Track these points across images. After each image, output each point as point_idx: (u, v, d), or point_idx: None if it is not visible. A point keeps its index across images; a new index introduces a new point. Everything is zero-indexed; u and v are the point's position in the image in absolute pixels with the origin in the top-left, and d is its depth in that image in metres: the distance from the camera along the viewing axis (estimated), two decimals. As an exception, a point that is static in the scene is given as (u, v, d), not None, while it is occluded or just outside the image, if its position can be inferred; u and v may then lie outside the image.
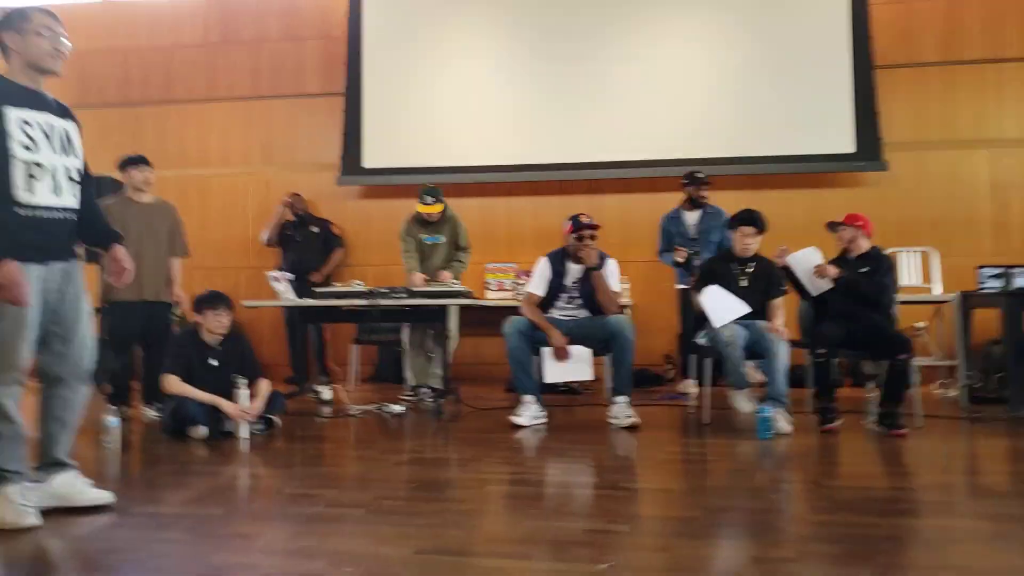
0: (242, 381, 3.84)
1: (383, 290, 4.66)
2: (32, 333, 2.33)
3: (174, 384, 3.84)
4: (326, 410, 4.79)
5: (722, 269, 4.23)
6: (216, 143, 7.21)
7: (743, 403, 3.88)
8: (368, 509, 2.45)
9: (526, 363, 4.19)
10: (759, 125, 6.28)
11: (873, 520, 2.32)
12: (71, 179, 2.43)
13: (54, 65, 2.40)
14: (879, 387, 4.02)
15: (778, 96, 6.27)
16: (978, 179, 6.15)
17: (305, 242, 6.37)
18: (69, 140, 2.43)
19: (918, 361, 5.16)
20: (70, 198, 2.44)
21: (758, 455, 3.35)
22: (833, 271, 4.06)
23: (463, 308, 4.99)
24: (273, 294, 4.93)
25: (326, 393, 5.17)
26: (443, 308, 4.67)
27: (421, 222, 5.31)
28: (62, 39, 2.41)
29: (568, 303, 4.34)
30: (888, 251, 5.53)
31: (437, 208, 5.22)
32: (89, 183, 2.55)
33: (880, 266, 4.09)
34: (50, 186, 2.35)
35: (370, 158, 6.78)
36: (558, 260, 4.34)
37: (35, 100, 2.37)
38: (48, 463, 2.47)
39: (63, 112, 2.46)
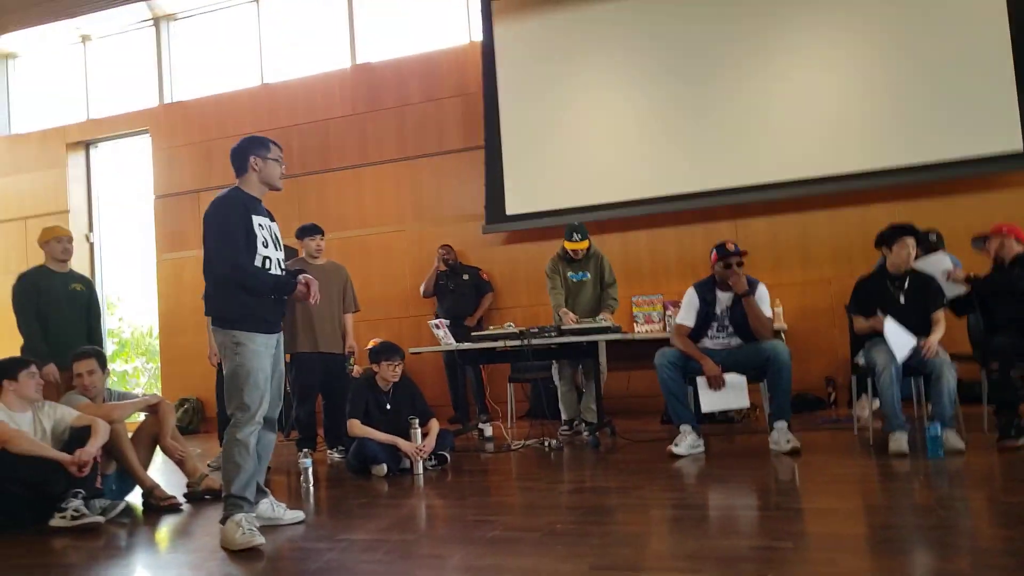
0: (415, 421, 4.22)
1: (534, 330, 4.94)
2: (267, 386, 2.94)
3: (357, 427, 4.27)
4: (489, 446, 5.09)
5: (878, 288, 4.13)
6: (371, 204, 7.87)
7: (898, 443, 3.72)
8: (542, 532, 2.67)
9: (680, 393, 4.27)
10: (912, 132, 6.00)
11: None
12: (280, 268, 3.06)
13: (280, 185, 3.09)
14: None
15: (931, 98, 5.97)
16: None
17: (458, 289, 6.82)
18: (278, 238, 3.10)
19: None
20: None
21: (927, 474, 3.25)
22: (962, 274, 4.03)
23: (613, 343, 5.15)
24: (434, 340, 5.34)
25: (488, 430, 5.49)
26: (593, 344, 4.87)
27: (567, 260, 5.54)
28: (283, 164, 3.10)
29: (720, 332, 4.39)
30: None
31: (583, 244, 5.43)
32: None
33: None
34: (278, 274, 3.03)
35: (512, 205, 7.16)
36: (707, 289, 4.42)
37: (262, 208, 3.04)
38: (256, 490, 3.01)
39: (271, 217, 3.11)
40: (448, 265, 6.93)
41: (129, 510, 3.56)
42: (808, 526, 2.57)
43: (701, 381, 4.22)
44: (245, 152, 2.99)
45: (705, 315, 4.38)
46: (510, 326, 5.19)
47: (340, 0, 8.23)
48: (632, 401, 6.59)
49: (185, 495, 3.82)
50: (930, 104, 5.97)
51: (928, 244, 4.61)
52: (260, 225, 2.96)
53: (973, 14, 5.93)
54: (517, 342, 4.91)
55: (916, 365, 3.89)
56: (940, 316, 4.00)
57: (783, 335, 5.75)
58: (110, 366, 5.01)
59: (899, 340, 3.84)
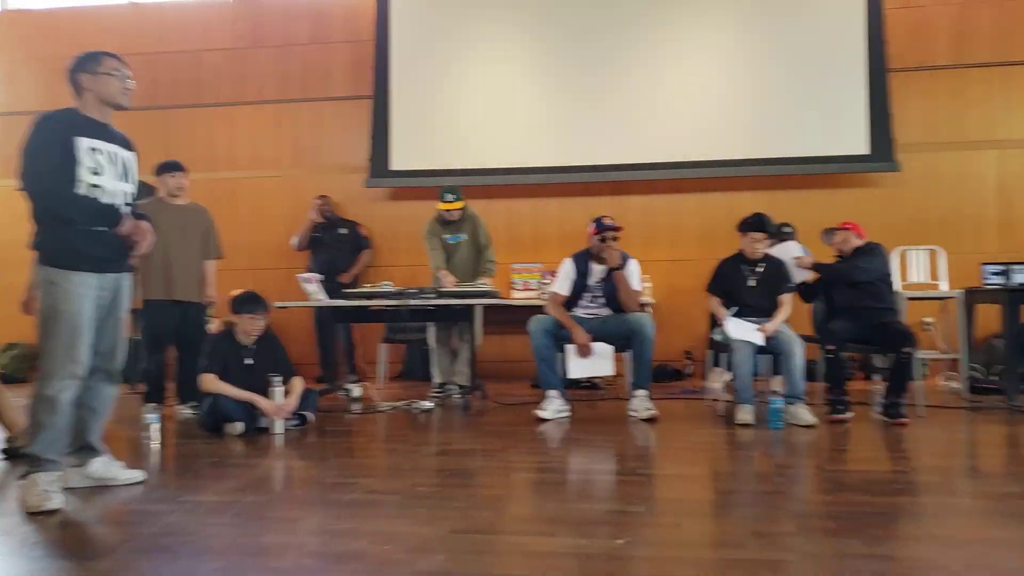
0: (276, 379, 4.04)
1: (412, 290, 4.88)
2: (89, 335, 2.65)
3: (212, 383, 4.02)
4: (356, 407, 5.00)
5: (733, 270, 4.42)
6: (245, 147, 7.45)
7: (744, 415, 4.04)
8: (403, 495, 2.66)
9: (550, 360, 4.38)
10: (776, 127, 6.43)
11: (868, 499, 2.52)
12: (126, 203, 2.77)
13: (124, 101, 2.77)
14: (884, 379, 4.18)
15: (795, 99, 6.41)
16: (986, 179, 6.28)
17: (334, 244, 6.61)
18: (127, 169, 2.79)
19: (926, 355, 5.34)
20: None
21: (769, 444, 3.52)
22: (808, 261, 4.44)
23: (489, 307, 5.19)
24: (303, 295, 5.16)
25: (356, 391, 5.40)
26: (470, 308, 4.87)
27: (443, 222, 5.50)
28: (128, 79, 2.78)
29: (591, 302, 4.53)
30: (899, 249, 5.70)
31: (457, 205, 5.40)
32: (135, 205, 2.89)
33: (867, 254, 4.29)
34: (111, 205, 2.70)
35: (398, 161, 7.00)
36: (582, 260, 4.53)
37: (103, 132, 2.73)
38: (82, 447, 2.80)
39: (126, 144, 2.83)
40: (325, 217, 6.69)
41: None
42: (659, 491, 2.72)
43: (570, 348, 4.33)
44: (74, 71, 2.74)
45: (579, 285, 4.49)
46: (387, 285, 5.09)
47: (222, -77, 7.62)
48: (505, 366, 6.70)
49: (3, 451, 3.44)
50: (794, 104, 6.41)
51: (782, 235, 4.98)
52: (93, 149, 2.66)
53: (835, 30, 6.42)
54: (392, 302, 4.83)
55: (770, 345, 4.19)
56: (786, 299, 4.34)
57: (650, 309, 6.01)
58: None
59: (744, 333, 4.14)
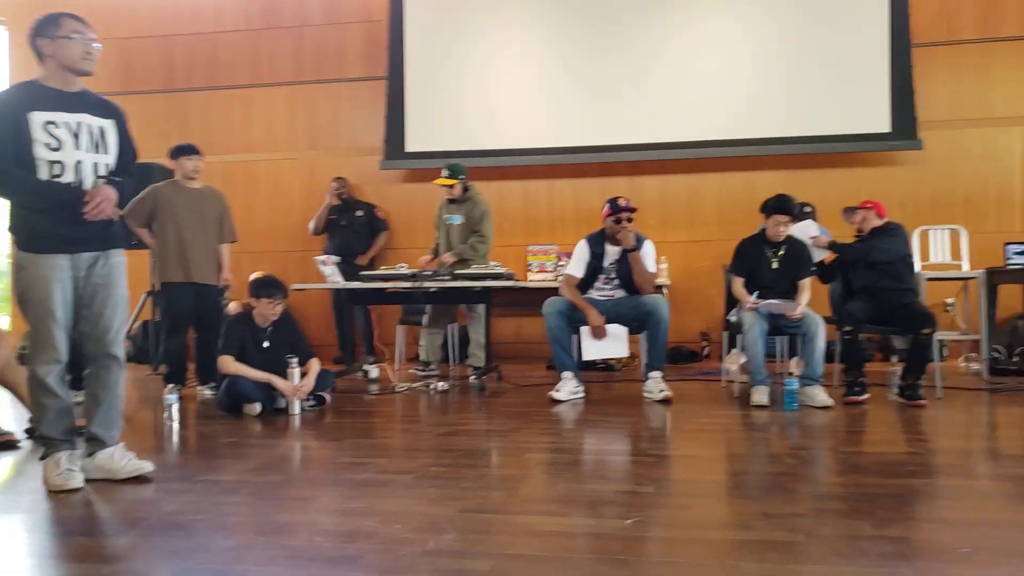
0: (293, 360, 4.09)
1: (427, 272, 4.89)
2: (63, 316, 2.55)
3: (230, 364, 4.07)
4: (373, 388, 5.05)
5: (756, 251, 4.36)
6: (261, 129, 7.46)
7: (759, 396, 4.01)
8: (415, 475, 2.68)
9: (565, 341, 4.38)
10: (796, 106, 6.32)
11: (881, 480, 2.50)
12: (98, 175, 2.59)
13: (87, 66, 2.56)
14: (902, 361, 4.13)
15: (815, 77, 6.30)
16: (1012, 156, 6.14)
17: (350, 226, 6.64)
18: (103, 137, 2.61)
19: (947, 336, 5.26)
20: None
21: (783, 425, 3.50)
22: (825, 240, 4.39)
23: (505, 289, 5.19)
24: (321, 277, 5.19)
25: (373, 372, 5.44)
26: (487, 290, 4.88)
27: (449, 200, 5.48)
28: (92, 42, 2.58)
29: (606, 284, 4.51)
30: (920, 229, 5.61)
31: (450, 181, 5.35)
32: (123, 174, 2.69)
33: (886, 234, 4.21)
34: (73, 181, 2.53)
35: (413, 142, 6.99)
36: (597, 242, 4.50)
37: (67, 102, 2.55)
38: (88, 437, 2.69)
39: (104, 111, 2.64)
40: (341, 199, 6.71)
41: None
42: (671, 472, 2.72)
43: (585, 330, 4.33)
44: (32, 36, 2.55)
45: (594, 267, 4.48)
46: (403, 267, 5.11)
47: (235, -95, 7.60)
48: (521, 347, 6.71)
49: (26, 431, 3.46)
50: (814, 82, 6.30)
51: (802, 215, 4.92)
52: (49, 122, 2.48)
53: (857, 5, 6.27)
54: (408, 284, 4.85)
55: (787, 326, 4.15)
56: (806, 284, 4.29)
57: (665, 290, 5.98)
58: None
59: (777, 307, 4.10)
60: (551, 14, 6.80)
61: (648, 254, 4.46)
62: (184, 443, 3.43)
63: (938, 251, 5.63)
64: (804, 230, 4.49)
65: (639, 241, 4.42)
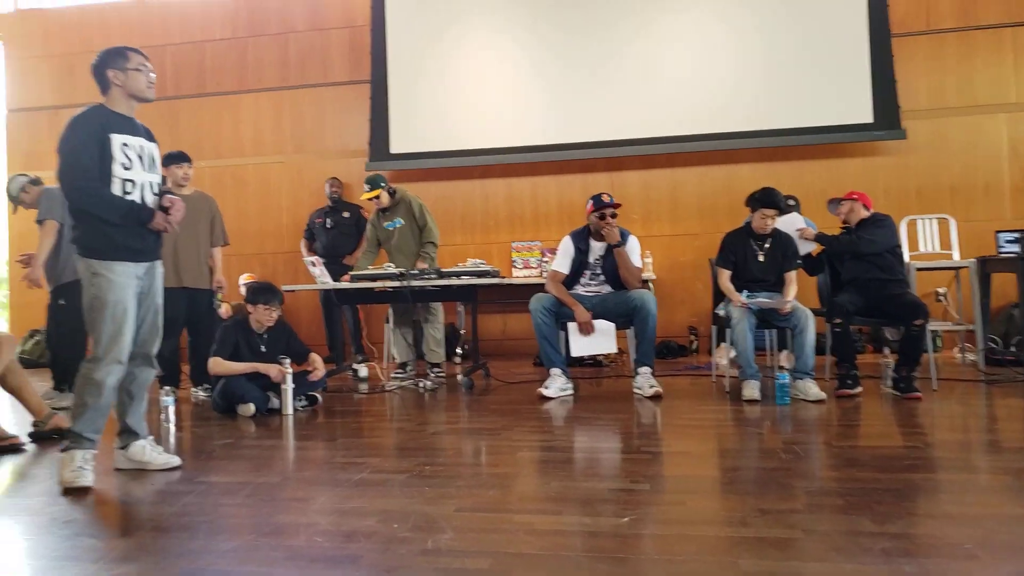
0: (286, 361, 4.10)
1: (414, 272, 4.87)
2: (132, 322, 2.79)
3: (219, 364, 4.11)
4: (363, 387, 5.04)
5: (741, 244, 4.37)
6: (249, 133, 7.45)
7: (750, 390, 4.02)
8: (410, 474, 2.68)
9: (552, 338, 4.38)
10: (778, 97, 6.35)
11: (878, 475, 2.51)
12: (153, 192, 2.88)
13: (150, 95, 2.86)
14: (895, 352, 4.15)
15: (797, 68, 6.32)
16: (997, 144, 6.18)
17: (336, 227, 6.61)
18: (153, 160, 2.89)
19: (940, 326, 5.30)
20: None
21: (775, 420, 3.52)
22: (811, 232, 4.39)
23: (490, 286, 5.18)
24: (309, 278, 5.17)
25: (363, 371, 5.42)
26: (473, 287, 4.87)
27: (381, 211, 5.44)
28: (151, 72, 2.87)
29: (592, 279, 4.52)
30: (907, 219, 5.66)
31: (372, 194, 5.32)
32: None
33: (874, 225, 4.23)
34: (139, 198, 2.80)
35: (397, 143, 6.97)
36: (581, 238, 4.51)
37: (130, 127, 2.83)
38: (123, 430, 2.92)
39: (149, 136, 2.92)
40: (331, 200, 6.69)
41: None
42: (664, 469, 2.72)
43: (572, 327, 4.33)
44: (102, 67, 2.81)
45: (579, 263, 4.48)
46: (389, 267, 5.09)
47: (215, -95, 7.55)
48: (508, 344, 6.71)
49: (30, 435, 3.56)
50: (795, 74, 6.32)
51: (787, 207, 4.93)
52: (125, 144, 2.76)
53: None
54: (396, 283, 4.83)
55: (776, 319, 4.17)
56: (793, 276, 4.31)
57: (651, 285, 5.99)
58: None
59: (767, 304, 4.12)
60: (529, 13, 6.80)
61: (633, 249, 4.46)
62: (181, 445, 3.42)
63: (927, 241, 5.67)
64: (790, 222, 4.51)
65: (623, 236, 4.43)
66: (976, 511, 2.14)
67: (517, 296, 6.37)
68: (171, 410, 3.83)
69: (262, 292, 4.23)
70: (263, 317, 4.21)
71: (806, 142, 6.31)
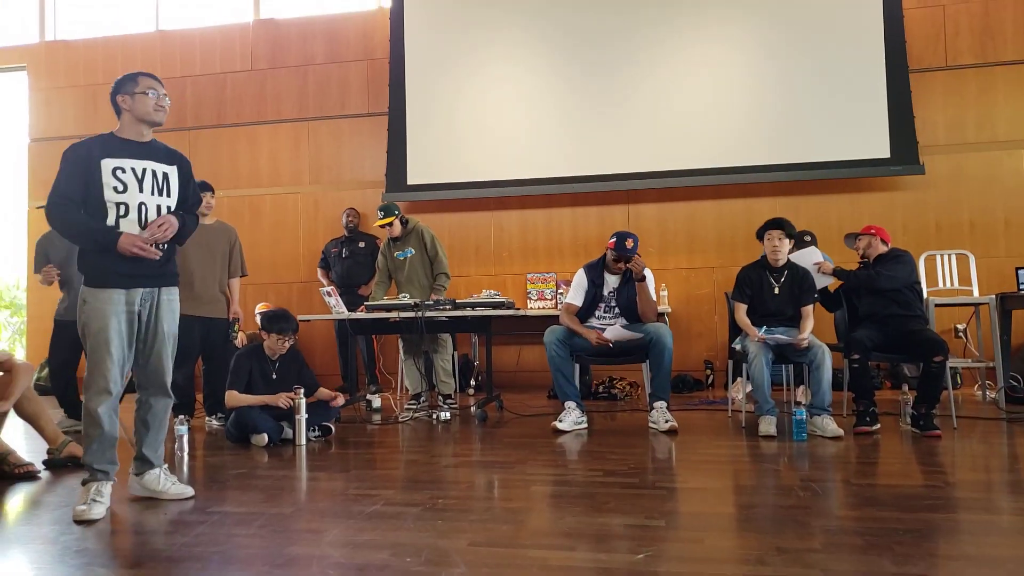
0: (299, 390, 4.11)
1: (428, 303, 4.89)
2: (117, 350, 2.73)
3: (235, 398, 4.15)
4: (376, 418, 5.02)
5: (757, 277, 4.36)
6: (266, 164, 7.56)
7: (767, 427, 3.97)
8: (424, 507, 2.66)
9: (566, 370, 4.36)
10: (796, 132, 6.37)
11: (898, 515, 2.45)
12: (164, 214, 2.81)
13: (157, 117, 2.83)
14: (913, 389, 4.08)
15: (814, 103, 6.35)
16: (1017, 179, 6.15)
17: (352, 257, 6.66)
18: (167, 182, 2.85)
19: (960, 363, 5.22)
20: None
21: (792, 456, 3.46)
22: (829, 267, 4.37)
23: (505, 318, 5.18)
24: (325, 308, 5.20)
25: (376, 401, 5.42)
26: (487, 318, 4.87)
27: (393, 239, 5.50)
28: (164, 96, 2.85)
29: (606, 312, 4.51)
30: (926, 254, 5.62)
31: (386, 221, 5.37)
32: (188, 215, 2.94)
33: (892, 260, 4.20)
34: (135, 221, 2.76)
35: (414, 175, 7.05)
36: (596, 271, 4.51)
37: (136, 150, 2.80)
38: (138, 458, 2.93)
39: (169, 158, 2.89)
40: (348, 230, 6.76)
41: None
42: (680, 505, 2.68)
43: (607, 327, 4.34)
44: (114, 93, 2.83)
45: (593, 296, 4.48)
46: (405, 297, 5.11)
47: (242, -55, 7.78)
48: (522, 376, 6.68)
49: (44, 462, 3.58)
50: (813, 109, 6.34)
51: (803, 242, 4.93)
52: (119, 168, 2.73)
53: (853, 32, 6.35)
54: (411, 313, 4.85)
55: (793, 354, 4.13)
56: (809, 311, 4.28)
57: (667, 318, 5.97)
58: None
59: (783, 339, 4.10)
60: (546, 48, 6.89)
61: (649, 282, 4.46)
62: (194, 474, 3.42)
63: (946, 276, 5.62)
64: (807, 257, 4.49)
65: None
66: (998, 552, 2.09)
67: (532, 328, 6.36)
68: (185, 439, 3.84)
69: (277, 320, 4.26)
70: (276, 345, 4.25)
71: (824, 176, 6.31)
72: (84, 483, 2.75)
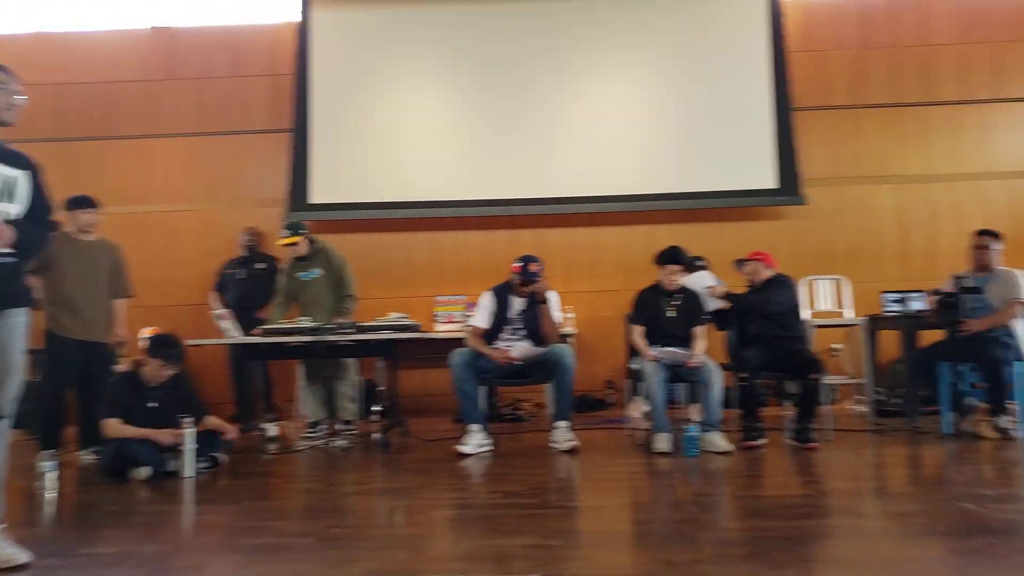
0: (188, 420, 3.86)
1: (329, 326, 4.78)
2: None
3: (114, 427, 3.84)
4: (272, 447, 4.84)
5: (653, 300, 4.53)
6: (158, 180, 7.20)
7: (661, 444, 4.07)
8: (316, 537, 2.57)
9: (472, 393, 4.36)
10: (692, 163, 6.65)
11: (777, 523, 2.59)
12: (4, 221, 2.46)
13: (7, 116, 2.53)
14: (795, 405, 4.32)
15: (709, 135, 6.65)
16: (885, 212, 6.64)
17: (250, 279, 6.42)
18: (14, 187, 2.53)
19: (835, 380, 5.58)
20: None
21: (684, 472, 3.58)
22: (721, 290, 4.58)
23: (411, 341, 5.12)
24: (218, 332, 4.99)
25: (272, 430, 5.22)
26: (392, 342, 4.81)
27: (298, 259, 5.35)
28: (15, 93, 2.54)
29: (512, 334, 4.54)
30: (807, 279, 5.97)
31: (294, 240, 5.25)
32: (36, 224, 2.60)
33: (777, 286, 4.47)
34: None
35: (317, 194, 6.89)
36: (502, 294, 4.55)
37: None
38: None
39: (17, 162, 2.57)
40: (247, 250, 6.51)
41: None
42: (577, 523, 2.72)
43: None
44: None
45: (499, 318, 4.50)
46: (307, 320, 4.97)
47: (135, -47, 7.46)
48: (428, 400, 6.61)
49: None
50: (708, 141, 6.65)
51: (696, 267, 5.16)
52: None
53: (743, 71, 6.70)
54: (311, 338, 4.72)
55: (686, 374, 4.30)
56: (701, 331, 4.46)
57: (572, 340, 6.07)
58: None
59: (671, 356, 4.25)
60: (456, 70, 6.94)
61: (553, 304, 4.53)
62: (62, 513, 3.17)
63: (823, 300, 5.98)
64: (699, 281, 4.71)
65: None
66: (864, 555, 2.24)
67: (440, 351, 6.28)
68: (51, 476, 3.49)
69: (162, 346, 4.03)
70: (155, 372, 3.99)
71: (717, 205, 6.61)
72: None
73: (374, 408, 5.80)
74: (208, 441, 3.98)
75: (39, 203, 2.62)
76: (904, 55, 6.74)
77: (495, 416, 5.74)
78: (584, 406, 6.14)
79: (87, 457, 4.38)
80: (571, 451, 4.20)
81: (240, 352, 5.65)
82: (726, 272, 5.71)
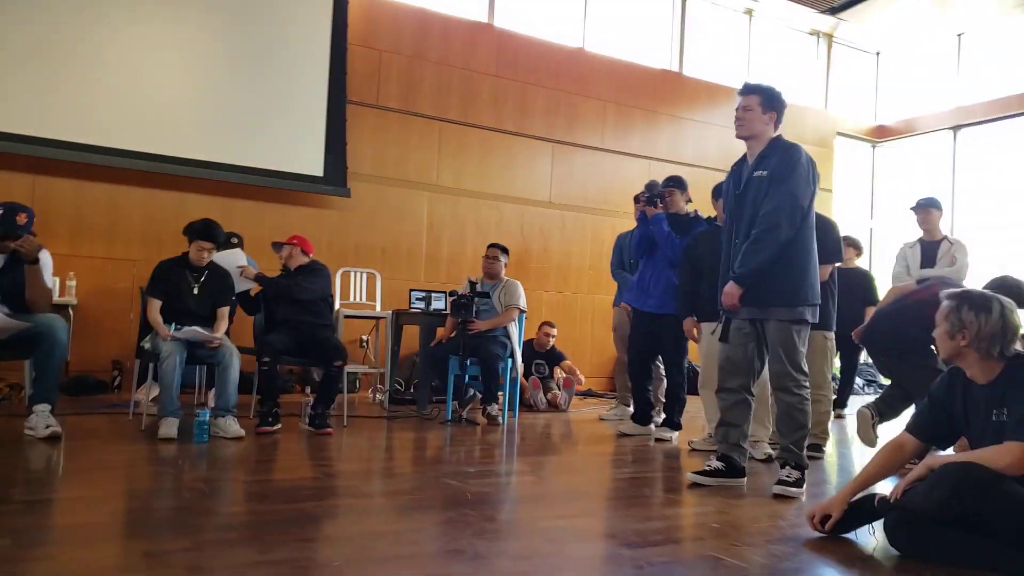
0: None
1: None
2: None
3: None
4: None
5: (176, 274, 4.16)
6: None
7: (167, 429, 3.73)
8: None
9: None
10: (237, 135, 6.28)
11: (277, 507, 2.56)
12: None
13: None
14: (314, 391, 4.42)
15: (257, 111, 6.37)
16: (420, 216, 7.27)
17: None
18: None
19: (359, 369, 5.89)
20: None
21: (190, 458, 3.33)
22: (252, 272, 4.51)
23: None
24: None
25: None
26: None
27: None
28: None
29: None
30: (343, 270, 6.20)
31: None
32: None
33: (311, 273, 4.54)
34: None
35: None
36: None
37: None
38: None
39: None
40: None
41: None
42: (40, 519, 2.29)
43: None
44: None
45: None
46: None
47: None
48: None
49: None
50: (256, 116, 6.34)
51: (230, 244, 4.92)
52: None
53: (304, 51, 6.59)
54: None
55: (206, 355, 4.02)
56: (225, 312, 4.25)
57: (71, 311, 5.22)
58: None
59: (191, 335, 3.96)
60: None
61: (46, 266, 3.79)
62: None
63: (357, 292, 6.26)
64: (232, 259, 4.49)
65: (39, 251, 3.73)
66: (354, 530, 2.35)
67: None
68: None
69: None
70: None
71: (259, 183, 6.36)
72: None
73: None
74: None
75: None
76: (451, 74, 7.39)
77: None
78: (81, 389, 5.31)
79: None
80: (52, 438, 3.56)
81: None
82: (261, 253, 5.57)
